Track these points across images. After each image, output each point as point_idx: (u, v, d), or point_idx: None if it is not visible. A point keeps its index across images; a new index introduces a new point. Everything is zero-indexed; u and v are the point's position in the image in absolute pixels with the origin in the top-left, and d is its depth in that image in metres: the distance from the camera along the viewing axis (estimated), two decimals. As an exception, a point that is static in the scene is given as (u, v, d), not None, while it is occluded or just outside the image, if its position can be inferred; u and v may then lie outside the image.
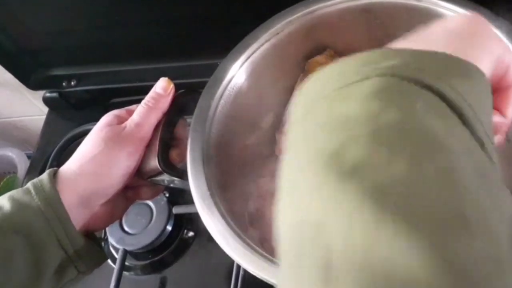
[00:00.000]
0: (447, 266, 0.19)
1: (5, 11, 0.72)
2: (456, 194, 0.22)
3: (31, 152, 1.01)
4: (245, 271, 0.61)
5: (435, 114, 0.25)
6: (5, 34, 0.75)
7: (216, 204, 0.46)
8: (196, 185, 0.47)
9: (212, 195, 0.47)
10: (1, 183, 1.05)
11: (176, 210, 0.70)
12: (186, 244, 0.70)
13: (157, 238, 0.69)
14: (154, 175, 0.51)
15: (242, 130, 0.56)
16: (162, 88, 0.51)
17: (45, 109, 0.89)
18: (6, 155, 1.08)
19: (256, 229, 0.52)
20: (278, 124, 0.59)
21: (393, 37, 0.55)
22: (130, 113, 0.51)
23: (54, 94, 0.82)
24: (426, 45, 0.30)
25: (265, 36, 0.54)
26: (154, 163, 0.49)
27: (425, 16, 0.51)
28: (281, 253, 0.25)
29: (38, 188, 0.46)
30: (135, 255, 0.71)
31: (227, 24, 0.66)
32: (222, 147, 0.52)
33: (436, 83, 0.26)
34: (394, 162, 0.22)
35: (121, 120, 0.50)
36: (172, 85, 0.51)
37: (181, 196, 0.71)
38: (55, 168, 0.49)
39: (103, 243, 0.72)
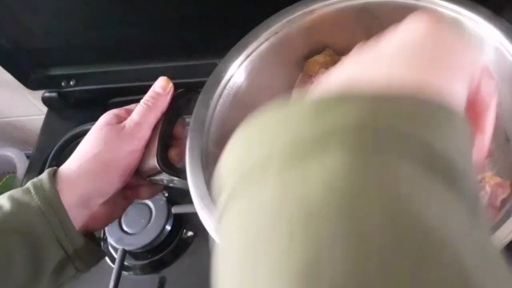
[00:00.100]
0: None
1: (3, 11, 0.72)
2: None
3: (30, 152, 1.01)
4: (244, 271, 0.61)
5: (423, 187, 0.20)
6: (3, 34, 0.75)
7: (215, 203, 0.46)
8: (195, 185, 0.47)
9: (211, 194, 0.46)
10: (0, 183, 1.05)
11: (175, 209, 0.70)
12: (185, 244, 0.70)
13: (156, 238, 0.69)
14: (153, 175, 0.51)
15: (241, 129, 0.56)
16: (161, 87, 0.51)
17: (44, 109, 0.89)
18: (5, 155, 1.08)
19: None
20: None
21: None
22: (129, 112, 0.51)
23: (53, 94, 0.82)
24: (382, 66, 0.25)
25: (264, 35, 0.54)
26: (153, 162, 0.49)
27: (424, 16, 0.51)
28: None
29: (38, 188, 0.46)
30: (134, 254, 0.71)
31: (226, 23, 0.66)
32: (221, 146, 0.52)
33: (415, 131, 0.21)
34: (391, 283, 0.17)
35: (120, 120, 0.50)
36: (171, 84, 0.51)
37: (180, 195, 0.71)
38: (55, 168, 0.49)
39: (102, 243, 0.72)
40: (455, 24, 0.28)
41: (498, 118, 0.35)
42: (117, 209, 0.53)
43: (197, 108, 0.52)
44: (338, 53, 0.58)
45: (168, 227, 0.70)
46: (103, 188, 0.49)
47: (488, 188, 0.48)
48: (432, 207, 0.19)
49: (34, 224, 0.45)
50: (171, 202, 0.71)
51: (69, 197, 0.46)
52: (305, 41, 0.57)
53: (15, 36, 0.76)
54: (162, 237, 0.69)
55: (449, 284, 0.18)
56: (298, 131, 0.22)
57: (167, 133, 0.52)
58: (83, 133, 0.51)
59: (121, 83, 0.78)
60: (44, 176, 0.47)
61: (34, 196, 0.46)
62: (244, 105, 0.55)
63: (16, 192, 0.47)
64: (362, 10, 0.54)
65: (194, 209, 0.47)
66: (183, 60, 0.73)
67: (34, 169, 0.83)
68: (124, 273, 0.68)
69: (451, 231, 0.19)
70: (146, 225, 0.69)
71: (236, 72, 0.54)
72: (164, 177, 0.51)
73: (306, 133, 0.21)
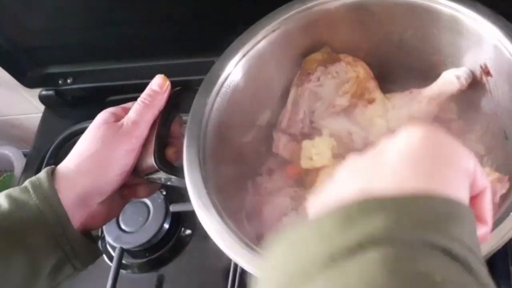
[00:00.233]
0: None
1: (1, 9, 0.71)
2: None
3: (27, 150, 1.01)
4: (243, 269, 0.61)
5: (451, 274, 0.23)
6: (0, 32, 0.75)
7: (212, 202, 0.46)
8: (193, 183, 0.47)
9: (208, 193, 0.46)
10: (-2, 182, 1.05)
11: (173, 208, 0.70)
12: (183, 242, 0.70)
13: (154, 236, 0.68)
14: (150, 173, 0.50)
15: (239, 127, 0.56)
16: (158, 85, 0.51)
17: (42, 107, 0.88)
18: (2, 153, 1.07)
19: (252, 226, 0.52)
20: (274, 122, 0.59)
21: (389, 33, 0.56)
22: (126, 110, 0.51)
23: (50, 92, 0.82)
24: (387, 176, 0.28)
25: (261, 33, 0.54)
26: (150, 161, 0.49)
27: (422, 13, 0.51)
28: None
29: (36, 187, 0.46)
30: (132, 253, 0.70)
31: (223, 21, 0.66)
32: (219, 144, 0.52)
33: (438, 238, 0.24)
34: None
35: (117, 118, 0.50)
36: (168, 82, 0.51)
37: (178, 194, 0.71)
38: (53, 166, 0.48)
39: (100, 242, 0.72)
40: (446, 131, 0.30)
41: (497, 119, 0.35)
42: (114, 208, 0.53)
43: (194, 106, 0.52)
44: (335, 50, 0.58)
45: (166, 226, 0.70)
46: (101, 187, 0.48)
47: None
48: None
49: (32, 223, 0.44)
50: (169, 200, 0.70)
51: (67, 196, 0.46)
52: (302, 39, 0.56)
53: (12, 34, 0.76)
54: (160, 236, 0.69)
55: None
56: (332, 243, 0.24)
57: (164, 131, 0.52)
58: (81, 131, 0.51)
59: (118, 81, 0.78)
60: (42, 174, 0.47)
61: (33, 195, 0.45)
62: (241, 104, 0.55)
63: (14, 190, 0.46)
64: (359, 7, 0.54)
65: (192, 207, 0.47)
66: (180, 58, 0.73)
67: (31, 168, 0.83)
68: (122, 271, 0.68)
69: None
70: (144, 224, 0.69)
71: (234, 70, 0.54)
72: (161, 175, 0.51)
73: (341, 244, 0.24)
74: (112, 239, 0.69)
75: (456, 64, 0.53)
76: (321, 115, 0.58)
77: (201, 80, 0.53)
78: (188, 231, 0.71)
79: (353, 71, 0.57)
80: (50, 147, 0.82)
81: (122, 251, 0.68)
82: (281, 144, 0.57)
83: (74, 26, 0.73)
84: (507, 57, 0.45)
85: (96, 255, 0.51)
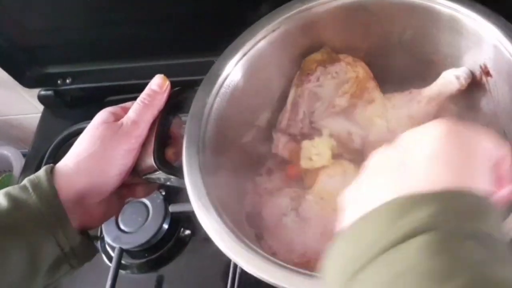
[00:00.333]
0: None
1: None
2: None
3: (26, 150, 1.01)
4: (242, 270, 0.61)
5: (496, 260, 0.27)
6: (-1, 32, 0.75)
7: (212, 202, 0.46)
8: (192, 183, 0.47)
9: (208, 193, 0.46)
10: (-4, 182, 1.05)
11: (172, 208, 0.70)
12: (182, 243, 0.70)
13: (153, 237, 0.68)
14: (149, 173, 0.50)
15: (238, 128, 0.56)
16: (158, 85, 0.51)
17: (40, 107, 0.88)
18: (1, 153, 1.07)
19: (252, 227, 0.52)
20: (274, 122, 0.59)
21: (389, 33, 0.56)
22: (126, 110, 0.50)
23: (49, 92, 0.82)
24: (419, 176, 0.30)
25: (261, 33, 0.54)
26: (150, 161, 0.49)
27: (421, 13, 0.51)
28: None
29: (35, 185, 0.46)
30: (131, 253, 0.70)
31: (223, 21, 0.66)
32: (218, 145, 0.52)
33: (478, 226, 0.28)
34: None
35: (116, 118, 0.50)
36: (167, 82, 0.51)
37: (177, 194, 0.71)
38: (51, 165, 0.48)
39: (99, 242, 0.71)
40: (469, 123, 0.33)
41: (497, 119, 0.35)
42: (112, 207, 0.53)
43: (194, 106, 0.52)
44: (335, 51, 0.58)
45: (165, 226, 0.69)
46: (100, 187, 0.48)
47: None
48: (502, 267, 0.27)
49: (31, 223, 0.44)
50: (168, 201, 0.70)
51: (66, 195, 0.46)
52: (302, 38, 0.56)
53: (11, 34, 0.76)
54: (159, 236, 0.69)
55: None
56: (384, 234, 0.28)
57: (163, 131, 0.52)
58: (79, 132, 0.51)
59: (117, 81, 0.78)
60: (42, 173, 0.47)
61: (32, 193, 0.45)
62: (241, 104, 0.55)
63: (12, 189, 0.46)
64: (359, 7, 0.54)
65: (191, 208, 0.46)
66: (180, 58, 0.72)
67: (30, 168, 0.82)
68: (121, 272, 0.68)
69: None
70: (143, 224, 0.69)
71: (233, 70, 0.53)
72: (160, 175, 0.50)
73: (393, 235, 0.27)
74: (111, 239, 0.69)
75: (456, 64, 0.53)
76: (320, 115, 0.57)
77: (200, 80, 0.53)
78: (188, 232, 0.71)
79: (352, 71, 0.56)
80: (49, 147, 0.82)
81: (121, 252, 0.68)
82: (281, 144, 0.57)
83: (74, 26, 0.73)
84: (506, 57, 0.45)
85: (93, 254, 0.51)
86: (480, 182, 0.31)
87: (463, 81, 0.51)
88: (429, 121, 0.33)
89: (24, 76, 0.81)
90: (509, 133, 0.49)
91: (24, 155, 1.05)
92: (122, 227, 0.70)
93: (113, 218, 0.69)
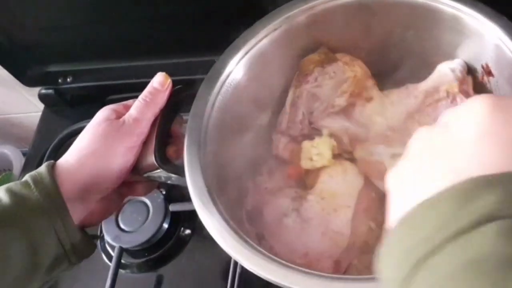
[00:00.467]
0: None
1: (0, 7, 0.71)
2: None
3: (26, 149, 1.01)
4: (242, 269, 0.61)
5: None
6: (0, 30, 0.75)
7: (213, 201, 0.46)
8: (194, 182, 0.47)
9: (209, 192, 0.46)
10: (-4, 181, 1.05)
11: (172, 207, 0.70)
12: (182, 242, 0.70)
13: (153, 236, 0.68)
14: (150, 171, 0.50)
15: (240, 127, 0.56)
16: (159, 83, 0.51)
17: (41, 106, 0.88)
18: (1, 152, 1.08)
19: (253, 226, 0.52)
20: (274, 122, 0.59)
21: (390, 33, 0.56)
22: (127, 108, 0.50)
23: (50, 91, 0.82)
24: (473, 159, 0.29)
25: (263, 32, 0.54)
26: (151, 159, 0.49)
27: (423, 12, 0.51)
28: None
29: (37, 181, 0.45)
30: (131, 253, 0.70)
31: (224, 20, 0.66)
32: (220, 144, 0.52)
33: None
34: None
35: (118, 115, 0.50)
36: (169, 80, 0.51)
37: (177, 193, 0.71)
38: (52, 161, 0.48)
39: (99, 241, 0.71)
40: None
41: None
42: (112, 205, 0.53)
43: (195, 105, 0.52)
44: (336, 49, 0.58)
45: (166, 225, 0.69)
46: (102, 184, 0.48)
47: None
48: None
49: (33, 218, 0.44)
50: (168, 200, 0.70)
51: (68, 192, 0.46)
52: (304, 37, 0.56)
53: (12, 32, 0.76)
54: (160, 235, 0.69)
55: None
56: (449, 222, 0.26)
57: (165, 130, 0.52)
58: (80, 131, 0.51)
59: (118, 80, 0.78)
60: (43, 169, 0.47)
61: (34, 189, 0.45)
62: (242, 102, 0.55)
63: (14, 185, 0.46)
64: (362, 6, 0.53)
65: (192, 207, 0.46)
66: (181, 57, 0.73)
67: (30, 167, 0.82)
68: (121, 271, 0.68)
69: None
70: (143, 223, 0.69)
71: (235, 69, 0.53)
72: (161, 174, 0.50)
73: (460, 222, 0.26)
74: (111, 239, 0.69)
75: (456, 63, 0.53)
76: (320, 116, 0.57)
77: (202, 79, 0.53)
78: (188, 231, 0.71)
79: (350, 71, 0.56)
80: (49, 146, 0.82)
81: (121, 251, 0.68)
82: (281, 145, 0.57)
83: (75, 25, 0.73)
84: (509, 57, 0.45)
85: (92, 250, 0.50)
86: None
87: (459, 73, 0.51)
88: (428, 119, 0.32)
89: (25, 75, 0.81)
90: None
91: (24, 154, 1.05)
92: (122, 226, 0.70)
93: (113, 217, 0.69)
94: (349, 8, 0.54)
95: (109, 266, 0.67)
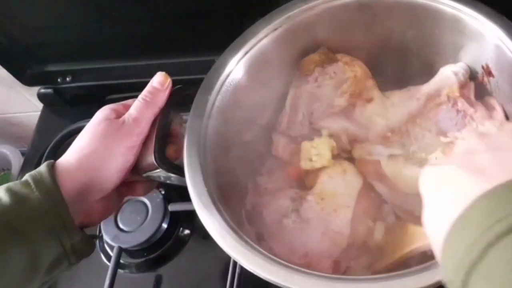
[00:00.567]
0: None
1: (0, 6, 0.71)
2: None
3: (25, 149, 1.01)
4: (242, 269, 0.61)
5: None
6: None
7: (213, 201, 0.46)
8: (193, 182, 0.47)
9: (209, 192, 0.46)
10: (-5, 180, 1.04)
11: (172, 207, 0.70)
12: (182, 242, 0.70)
13: (152, 236, 0.68)
14: (150, 171, 0.50)
15: (240, 126, 0.56)
16: (159, 83, 0.50)
17: (40, 105, 0.88)
18: (0, 152, 1.07)
19: (252, 226, 0.52)
20: (275, 122, 0.59)
21: (391, 33, 0.56)
22: (127, 107, 0.50)
23: (49, 90, 0.82)
24: None
25: (263, 32, 0.54)
26: (150, 159, 0.49)
27: (423, 13, 0.51)
28: None
29: (37, 181, 0.45)
30: (130, 252, 0.70)
31: (224, 20, 0.66)
32: (219, 143, 0.52)
33: None
34: None
35: (118, 115, 0.50)
36: (169, 80, 0.51)
37: (177, 193, 0.71)
38: (52, 161, 0.48)
39: (97, 241, 0.71)
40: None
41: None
42: (111, 205, 0.53)
43: (195, 105, 0.52)
44: (337, 50, 0.58)
45: (165, 225, 0.69)
46: (102, 183, 0.48)
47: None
48: None
49: (33, 218, 0.44)
50: (167, 199, 0.70)
51: (68, 191, 0.46)
52: (304, 37, 0.56)
53: (11, 31, 0.76)
54: (159, 235, 0.69)
55: None
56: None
57: (164, 129, 0.51)
58: (79, 130, 0.50)
59: (118, 80, 0.78)
60: (43, 169, 0.46)
61: (34, 189, 0.44)
62: (242, 102, 0.55)
63: (14, 184, 0.45)
64: (362, 7, 0.53)
65: (191, 207, 0.46)
66: (181, 57, 0.72)
67: (29, 166, 0.82)
68: (120, 271, 0.68)
69: None
70: (143, 223, 0.69)
71: (235, 68, 0.53)
72: (160, 173, 0.50)
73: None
74: (110, 238, 0.68)
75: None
76: (320, 116, 0.57)
77: (201, 79, 0.53)
78: (187, 231, 0.70)
79: (350, 71, 0.56)
80: (48, 146, 0.81)
81: (120, 251, 0.67)
82: (281, 146, 0.57)
83: (74, 24, 0.73)
84: (509, 57, 0.45)
85: (91, 251, 0.50)
86: None
87: (461, 77, 0.51)
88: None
89: (24, 74, 0.81)
90: None
91: (23, 153, 1.05)
92: (121, 226, 0.69)
93: (111, 217, 0.69)
94: (349, 8, 0.54)
95: (108, 266, 0.66)
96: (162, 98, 0.50)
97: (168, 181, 0.51)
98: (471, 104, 0.50)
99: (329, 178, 0.53)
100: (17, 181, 0.46)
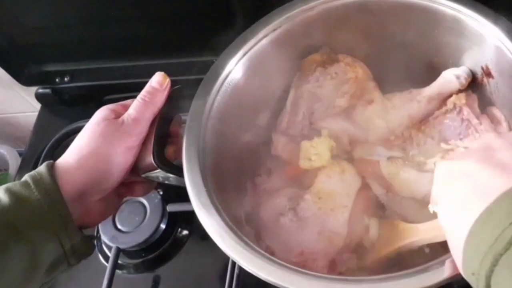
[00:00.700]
0: None
1: (-3, 6, 0.71)
2: None
3: (22, 149, 1.00)
4: (240, 270, 0.61)
5: None
6: (-3, 29, 0.74)
7: (212, 201, 0.45)
8: (192, 182, 0.47)
9: (208, 192, 0.46)
10: (-8, 180, 1.04)
11: (170, 208, 0.69)
12: (180, 243, 0.70)
13: (150, 236, 0.68)
14: (149, 172, 0.50)
15: (238, 127, 0.56)
16: (158, 83, 0.50)
17: (38, 106, 0.88)
18: (-3, 152, 1.07)
19: (251, 226, 0.52)
20: (274, 122, 0.59)
21: (391, 34, 0.56)
22: (126, 107, 0.50)
23: (47, 90, 0.81)
24: None
25: (262, 32, 0.54)
26: (149, 159, 0.49)
27: (423, 14, 0.51)
28: None
29: (37, 181, 0.45)
30: (128, 253, 0.70)
31: (223, 20, 0.66)
32: (218, 144, 0.52)
33: None
34: None
35: (117, 115, 0.49)
36: (168, 80, 0.51)
37: (175, 194, 0.71)
38: (51, 161, 0.47)
39: (95, 241, 0.71)
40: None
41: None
42: (110, 206, 0.52)
43: (194, 105, 0.52)
44: (336, 50, 0.58)
45: (163, 226, 0.69)
46: (101, 184, 0.48)
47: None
48: None
49: (33, 219, 0.43)
50: (166, 200, 0.70)
51: (68, 192, 0.45)
52: (303, 38, 0.56)
53: (9, 31, 0.75)
54: (157, 236, 0.69)
55: None
56: None
57: (163, 130, 0.51)
58: (77, 130, 0.50)
59: (116, 80, 0.77)
60: (43, 169, 0.46)
61: (34, 190, 0.44)
62: (241, 103, 0.55)
63: (14, 185, 0.45)
64: (361, 7, 0.53)
65: (189, 207, 0.46)
66: (180, 57, 0.72)
67: (26, 167, 0.82)
68: (118, 271, 0.68)
69: None
70: (141, 224, 0.69)
71: (234, 68, 0.53)
72: (159, 174, 0.50)
73: None
74: (108, 239, 0.68)
75: (458, 66, 0.53)
76: (320, 116, 0.57)
77: (200, 80, 0.53)
78: (185, 232, 0.70)
79: (352, 72, 0.56)
80: (45, 146, 0.81)
81: (118, 251, 0.67)
82: (280, 145, 0.57)
83: (73, 24, 0.72)
84: (509, 58, 0.45)
85: (91, 252, 0.50)
86: None
87: (463, 81, 0.51)
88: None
89: (22, 74, 0.80)
90: None
91: (20, 154, 1.04)
92: (119, 226, 0.69)
93: (110, 217, 0.69)
94: (348, 9, 0.54)
95: (106, 267, 0.66)
96: (161, 98, 0.50)
97: (167, 182, 0.51)
98: (476, 115, 0.50)
99: (327, 177, 0.53)
100: (16, 182, 0.45)
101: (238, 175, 0.55)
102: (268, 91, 0.58)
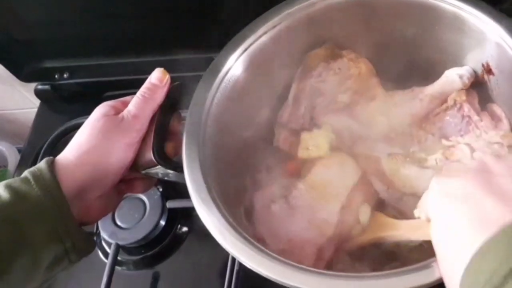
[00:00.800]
0: None
1: (-3, 1, 0.71)
2: None
3: (21, 146, 1.00)
4: (240, 266, 0.61)
5: None
6: (-3, 25, 0.74)
7: (212, 197, 0.45)
8: (192, 178, 0.47)
9: (208, 188, 0.46)
10: (-9, 177, 1.04)
11: (170, 204, 0.69)
12: (179, 239, 0.70)
13: (150, 233, 0.68)
14: (148, 168, 0.50)
15: (238, 123, 0.55)
16: (158, 79, 0.50)
17: (37, 102, 0.88)
18: (-4, 148, 1.07)
19: (251, 223, 0.52)
20: (273, 119, 0.59)
21: (392, 31, 0.55)
22: (125, 104, 0.50)
23: (46, 87, 0.81)
24: None
25: (263, 28, 0.54)
26: (149, 155, 0.49)
27: (424, 10, 0.51)
28: None
29: (37, 177, 0.44)
30: (127, 249, 0.70)
31: (223, 16, 0.66)
32: (218, 140, 0.52)
33: None
34: None
35: (116, 111, 0.49)
36: (167, 76, 0.50)
37: (175, 190, 0.71)
38: (51, 158, 0.47)
39: (95, 237, 0.71)
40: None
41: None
42: (110, 202, 0.52)
43: (194, 101, 0.52)
44: (337, 47, 0.58)
45: (162, 222, 0.69)
46: (101, 180, 0.48)
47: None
48: None
49: (33, 216, 0.43)
50: (165, 196, 0.70)
51: (68, 188, 0.45)
52: (304, 34, 0.56)
53: (8, 27, 0.75)
54: (156, 232, 0.69)
55: None
56: None
57: (163, 126, 0.51)
58: (76, 127, 0.50)
59: (115, 76, 0.77)
60: (43, 165, 0.46)
61: (34, 186, 0.44)
62: (241, 99, 0.55)
63: (13, 181, 0.45)
64: (362, 4, 0.53)
65: (189, 204, 0.46)
66: (179, 53, 0.72)
67: (25, 163, 0.82)
68: (117, 268, 0.68)
69: None
70: (140, 220, 0.69)
71: (234, 65, 0.53)
72: (159, 170, 0.50)
73: None
74: (107, 235, 0.68)
75: (458, 63, 0.53)
76: (322, 111, 0.57)
77: (200, 76, 0.53)
78: (185, 228, 0.70)
79: (355, 68, 0.56)
80: (45, 143, 0.81)
81: (118, 248, 0.67)
82: (282, 137, 0.57)
83: (72, 20, 0.72)
84: (509, 55, 0.45)
85: (92, 249, 0.50)
86: None
87: (466, 80, 0.51)
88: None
89: (22, 70, 0.80)
90: None
91: (19, 150, 1.04)
92: (118, 223, 0.69)
93: (109, 214, 0.69)
94: (349, 5, 0.54)
95: (105, 263, 0.66)
96: (160, 95, 0.50)
97: (166, 178, 0.51)
98: (477, 112, 0.50)
99: (323, 168, 0.53)
100: (16, 178, 0.45)
101: (238, 171, 0.55)
102: (269, 87, 0.58)
